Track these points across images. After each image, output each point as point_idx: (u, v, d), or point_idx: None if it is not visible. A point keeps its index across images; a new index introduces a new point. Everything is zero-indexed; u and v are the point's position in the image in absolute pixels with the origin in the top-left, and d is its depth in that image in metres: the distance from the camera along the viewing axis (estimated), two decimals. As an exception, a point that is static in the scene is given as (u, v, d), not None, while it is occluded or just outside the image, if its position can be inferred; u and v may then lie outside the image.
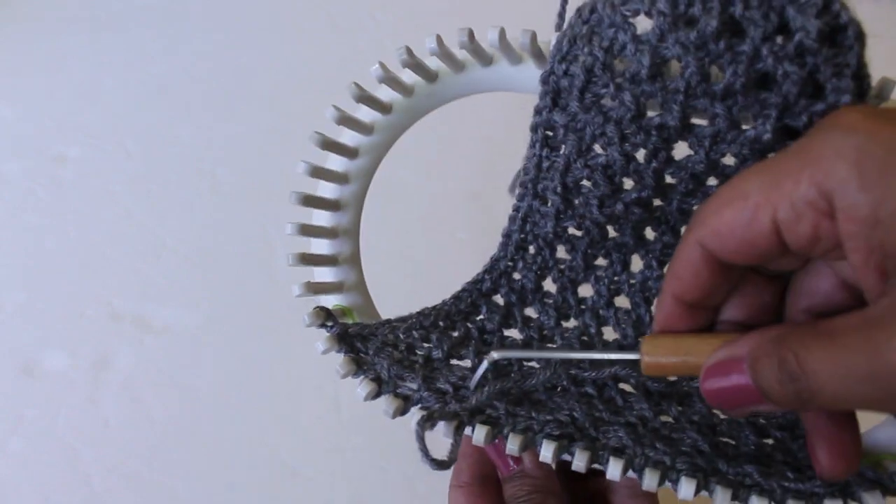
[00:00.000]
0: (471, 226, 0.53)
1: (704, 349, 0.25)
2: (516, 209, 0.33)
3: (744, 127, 0.26)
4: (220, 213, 0.60)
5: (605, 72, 0.27)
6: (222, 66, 0.76)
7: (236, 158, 0.65)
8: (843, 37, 0.24)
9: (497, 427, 0.28)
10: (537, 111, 0.30)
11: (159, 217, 0.59)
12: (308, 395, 0.46)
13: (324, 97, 0.77)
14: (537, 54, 0.30)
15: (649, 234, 0.32)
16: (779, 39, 0.24)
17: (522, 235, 0.34)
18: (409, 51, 0.31)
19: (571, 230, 0.33)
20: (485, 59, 0.32)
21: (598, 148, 0.29)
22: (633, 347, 0.31)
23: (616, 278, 0.33)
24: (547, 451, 0.28)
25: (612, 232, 0.32)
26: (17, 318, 0.51)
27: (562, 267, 0.34)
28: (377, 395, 0.29)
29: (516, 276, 0.34)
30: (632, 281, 0.33)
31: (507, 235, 0.34)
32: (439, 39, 0.31)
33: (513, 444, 0.28)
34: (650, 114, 0.27)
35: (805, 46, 0.23)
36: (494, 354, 0.29)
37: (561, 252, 0.34)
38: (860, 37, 0.24)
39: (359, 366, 0.30)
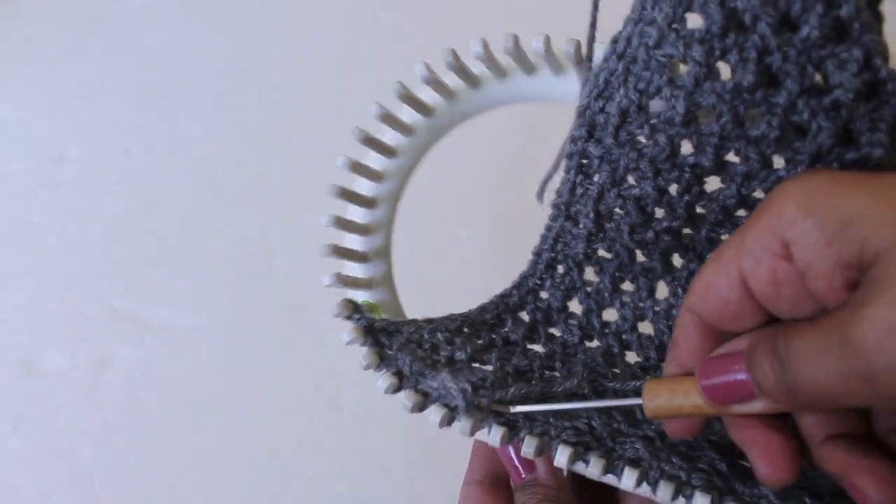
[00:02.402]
0: (473, 224, 0.53)
1: (695, 392, 0.25)
2: (549, 229, 0.34)
3: (776, 167, 0.26)
4: (220, 212, 0.60)
5: (640, 113, 0.27)
6: (222, 66, 0.76)
7: (236, 158, 0.65)
8: (882, 91, 0.23)
9: (514, 430, 0.29)
10: (573, 140, 0.30)
11: (159, 217, 0.59)
12: (308, 395, 0.46)
13: (324, 97, 0.78)
14: (580, 63, 0.30)
15: (677, 260, 0.32)
16: (816, 80, 0.23)
17: (553, 255, 0.34)
18: (454, 53, 0.31)
19: (601, 252, 0.33)
20: (528, 67, 0.32)
21: (631, 180, 0.29)
22: (656, 369, 0.31)
23: (641, 304, 0.33)
24: (562, 456, 0.28)
25: (640, 256, 0.32)
26: (17, 317, 0.51)
27: (588, 289, 0.34)
28: (398, 389, 0.29)
29: (543, 294, 0.35)
30: (656, 308, 0.33)
31: (537, 254, 0.34)
32: (485, 43, 0.31)
33: (528, 447, 0.28)
34: (684, 152, 0.27)
35: (840, 102, 0.23)
36: (512, 409, 0.29)
37: (589, 274, 0.34)
38: (881, 46, 0.23)
39: (381, 359, 0.30)
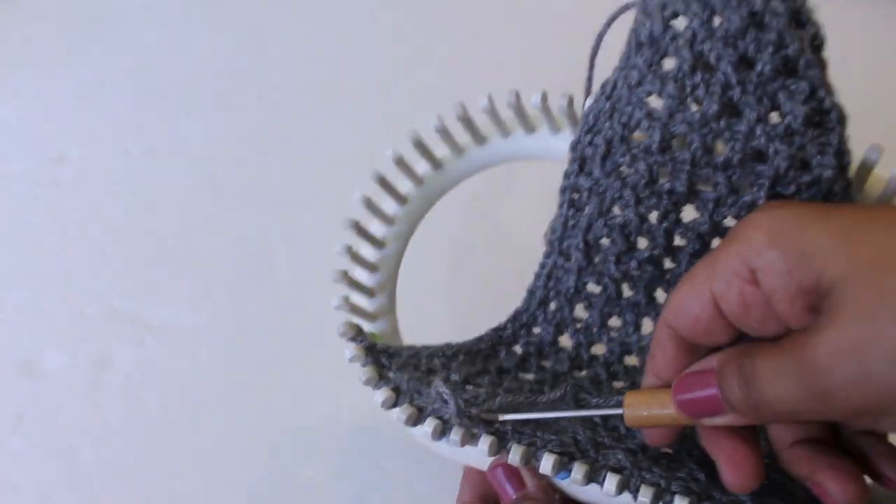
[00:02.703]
0: (468, 229, 0.53)
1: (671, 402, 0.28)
2: (542, 266, 0.37)
3: (742, 193, 0.30)
4: (220, 213, 0.60)
5: (622, 143, 0.31)
6: (222, 66, 0.76)
7: (236, 158, 0.65)
8: (827, 119, 0.27)
9: (503, 441, 0.30)
10: (566, 175, 0.34)
11: (159, 217, 0.59)
12: (308, 395, 0.46)
13: (324, 97, 0.78)
14: (573, 119, 0.34)
15: (660, 296, 0.35)
16: (773, 119, 0.27)
17: (545, 292, 0.37)
18: (463, 106, 0.35)
19: (591, 286, 0.36)
20: (528, 126, 0.36)
21: (616, 209, 0.33)
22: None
23: (627, 339, 0.36)
24: (547, 463, 0.29)
25: (627, 291, 0.35)
26: (17, 317, 0.51)
27: (578, 326, 0.37)
28: (394, 404, 0.31)
29: (536, 329, 0.37)
30: (642, 343, 0.35)
31: (531, 291, 0.37)
32: (491, 99, 0.35)
33: (515, 455, 0.29)
34: (662, 181, 0.31)
35: (792, 129, 0.27)
36: (501, 418, 0.31)
37: (579, 311, 0.37)
38: (842, 119, 0.27)
39: (380, 377, 0.32)
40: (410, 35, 0.81)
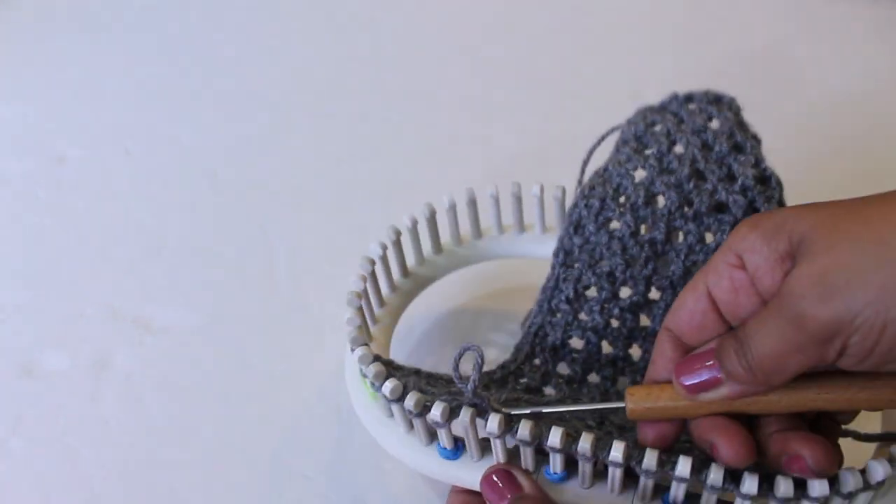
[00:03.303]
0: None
1: (671, 394, 0.31)
2: (530, 325, 0.42)
3: (707, 242, 0.38)
4: (220, 213, 0.60)
5: (613, 201, 0.39)
6: (222, 67, 0.76)
7: (236, 158, 0.65)
8: (768, 180, 0.38)
9: (511, 422, 0.32)
10: (560, 240, 0.41)
11: (159, 217, 0.59)
12: (308, 395, 0.46)
13: (324, 97, 0.78)
14: (562, 211, 0.43)
15: (635, 352, 0.41)
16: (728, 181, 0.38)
17: (531, 348, 0.42)
18: (473, 197, 0.45)
19: (574, 341, 0.41)
20: (522, 225, 0.46)
21: (605, 260, 0.40)
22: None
23: (604, 393, 0.41)
24: (555, 437, 0.31)
25: (606, 347, 0.41)
26: (17, 318, 0.51)
27: (560, 380, 0.41)
28: (402, 396, 0.33)
29: (522, 379, 0.41)
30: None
31: (518, 348, 0.42)
32: (497, 194, 0.45)
33: (524, 430, 0.31)
34: (644, 233, 0.39)
35: (746, 186, 0.38)
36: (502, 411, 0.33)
37: (562, 368, 0.42)
38: (779, 182, 0.38)
39: (388, 375, 0.34)
40: (410, 35, 0.81)
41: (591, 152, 0.44)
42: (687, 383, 0.30)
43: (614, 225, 0.39)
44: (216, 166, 0.64)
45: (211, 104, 0.71)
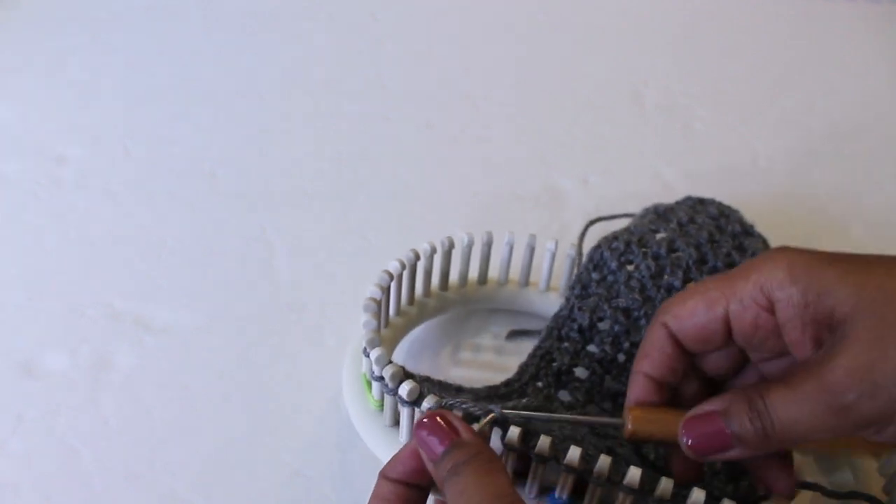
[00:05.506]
0: (470, 226, 0.53)
1: (673, 419, 0.31)
2: (538, 348, 0.44)
3: None
4: (219, 213, 0.60)
5: (637, 247, 0.44)
6: (222, 66, 0.76)
7: (236, 158, 0.65)
8: (755, 238, 0.45)
9: (504, 426, 0.33)
10: (579, 274, 0.44)
11: (159, 217, 0.59)
12: (308, 395, 0.46)
13: (323, 97, 0.77)
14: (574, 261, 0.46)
15: None
16: (734, 256, 0.44)
17: (536, 370, 0.43)
18: (489, 241, 0.46)
19: (578, 371, 0.43)
20: (525, 279, 0.48)
21: (621, 296, 0.42)
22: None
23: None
24: (544, 443, 0.32)
25: (608, 381, 0.42)
26: (17, 317, 0.51)
27: (560, 406, 0.42)
28: (418, 397, 0.34)
29: (524, 399, 0.41)
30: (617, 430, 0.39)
31: (523, 368, 0.43)
32: (512, 245, 0.46)
33: (543, 444, 0.32)
34: (665, 277, 0.42)
35: (755, 252, 0.44)
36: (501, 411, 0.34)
37: (563, 395, 0.43)
38: (765, 241, 0.46)
39: (406, 376, 0.35)
40: (410, 35, 0.81)
41: (581, 239, 0.48)
42: (697, 448, 0.30)
43: (637, 262, 0.43)
44: (216, 166, 0.64)
45: (211, 104, 0.71)
